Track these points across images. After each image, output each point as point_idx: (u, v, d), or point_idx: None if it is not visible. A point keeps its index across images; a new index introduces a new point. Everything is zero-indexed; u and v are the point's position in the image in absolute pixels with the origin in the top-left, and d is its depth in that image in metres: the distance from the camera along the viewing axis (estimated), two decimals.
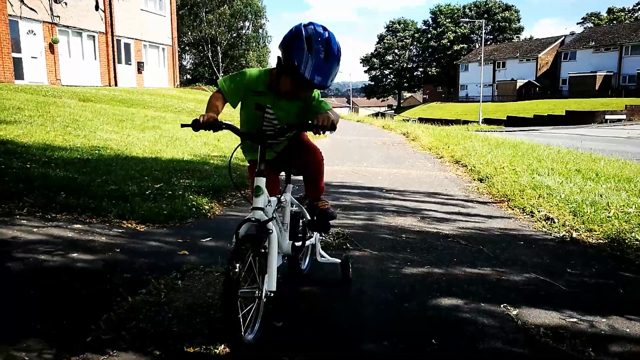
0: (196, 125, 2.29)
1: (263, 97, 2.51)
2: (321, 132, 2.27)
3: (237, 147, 2.67)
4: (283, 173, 2.89)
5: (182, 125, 2.41)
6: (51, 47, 18.56)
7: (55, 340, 2.24)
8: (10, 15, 16.42)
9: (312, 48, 2.25)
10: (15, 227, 3.80)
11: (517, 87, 58.33)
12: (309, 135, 2.70)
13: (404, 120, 37.61)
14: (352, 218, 4.86)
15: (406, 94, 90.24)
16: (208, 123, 2.28)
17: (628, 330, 2.54)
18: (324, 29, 2.33)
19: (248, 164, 2.81)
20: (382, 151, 11.80)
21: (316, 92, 2.53)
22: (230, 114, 12.69)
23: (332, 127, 2.23)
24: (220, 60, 50.59)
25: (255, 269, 2.24)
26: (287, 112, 2.55)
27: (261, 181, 2.33)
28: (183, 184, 5.68)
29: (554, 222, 4.67)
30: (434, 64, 75.57)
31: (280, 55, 2.36)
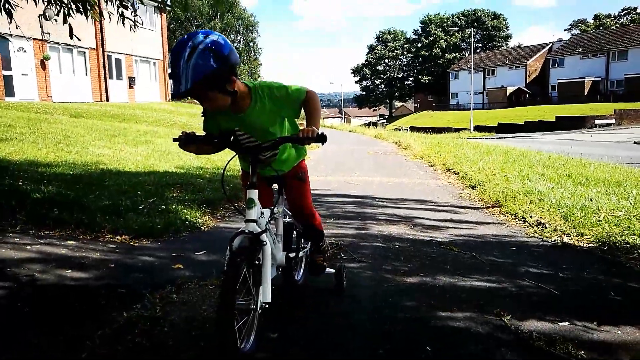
0: (187, 140, 2.33)
1: (225, 121, 2.45)
2: (307, 143, 2.29)
3: (230, 160, 2.70)
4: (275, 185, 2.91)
5: (175, 140, 2.42)
6: (42, 64, 18.56)
7: (51, 356, 2.24)
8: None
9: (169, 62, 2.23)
10: (9, 244, 3.79)
11: (507, 94, 58.82)
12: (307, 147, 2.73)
13: (395, 129, 37.79)
14: (345, 227, 4.88)
15: (397, 103, 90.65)
16: (201, 137, 2.31)
17: (620, 332, 2.57)
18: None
19: (240, 172, 2.83)
20: (374, 160, 11.86)
21: (276, 88, 2.44)
22: None
23: (322, 138, 2.24)
24: None
25: (250, 281, 2.26)
26: (254, 125, 2.44)
27: (253, 193, 2.35)
28: (176, 197, 5.68)
29: (546, 227, 4.71)
30: (425, 72, 76.11)
31: None
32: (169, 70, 2.17)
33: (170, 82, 2.16)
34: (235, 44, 52.59)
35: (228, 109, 2.33)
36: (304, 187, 2.80)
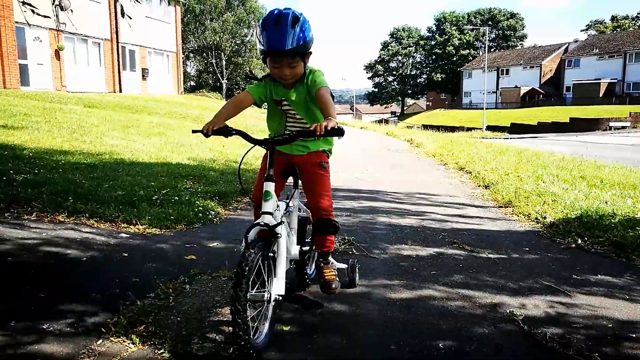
0: (207, 133, 2.33)
1: (277, 92, 2.63)
2: (323, 136, 2.27)
3: (246, 153, 2.71)
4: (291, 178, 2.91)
5: (194, 131, 2.44)
6: (57, 54, 18.71)
7: (65, 342, 2.27)
8: (16, 22, 16.56)
9: (265, 26, 2.40)
10: (24, 231, 3.83)
11: (521, 94, 58.38)
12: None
13: (407, 127, 37.66)
14: (356, 223, 4.87)
15: (410, 101, 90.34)
16: (219, 129, 2.32)
17: (634, 335, 2.54)
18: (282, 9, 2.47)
19: (262, 156, 2.83)
20: (386, 157, 11.83)
21: (315, 74, 2.58)
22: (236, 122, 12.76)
23: (339, 132, 2.22)
24: (224, 67, 50.82)
25: (264, 273, 2.27)
26: (298, 100, 2.62)
27: (270, 186, 2.36)
28: (189, 189, 5.71)
29: (560, 229, 4.67)
30: (438, 70, 75.67)
31: None
32: (261, 31, 2.41)
33: (260, 39, 2.44)
34: (247, 38, 52.60)
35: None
36: (325, 177, 2.78)
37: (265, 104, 2.75)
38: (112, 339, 2.31)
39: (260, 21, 2.45)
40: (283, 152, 2.70)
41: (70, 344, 2.25)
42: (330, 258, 2.93)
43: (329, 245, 2.90)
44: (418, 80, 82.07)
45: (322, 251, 2.90)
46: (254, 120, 18.05)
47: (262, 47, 2.43)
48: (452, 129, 35.33)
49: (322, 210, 2.74)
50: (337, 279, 2.85)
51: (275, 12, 2.43)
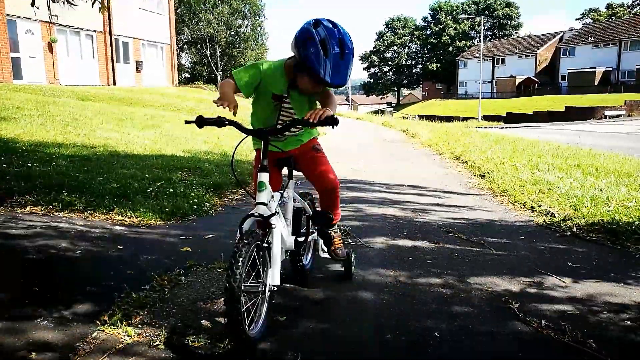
0: (200, 122, 2.30)
1: (278, 85, 2.57)
2: (318, 125, 2.27)
3: (239, 143, 2.68)
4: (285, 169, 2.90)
5: (187, 122, 2.41)
6: (49, 47, 18.53)
7: (60, 335, 2.26)
8: (8, 14, 16.39)
9: (328, 50, 2.28)
10: (19, 224, 3.81)
11: (517, 84, 58.29)
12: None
13: (403, 117, 37.63)
14: (351, 214, 4.87)
15: (405, 91, 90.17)
16: (212, 120, 2.29)
17: (629, 322, 2.55)
18: (334, 25, 2.35)
19: (255, 153, 2.84)
20: (381, 148, 11.82)
21: None
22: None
23: (333, 121, 2.23)
24: (218, 58, 50.48)
25: (259, 264, 2.26)
26: (302, 103, 2.62)
27: (264, 176, 2.35)
28: (184, 181, 5.69)
29: (555, 217, 4.68)
30: (434, 60, 75.43)
31: (296, 55, 2.40)
32: (322, 56, 2.26)
33: (319, 64, 2.30)
34: (242, 29, 52.26)
35: (286, 79, 2.51)
36: (323, 156, 2.84)
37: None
38: (107, 331, 2.30)
39: (318, 40, 2.27)
40: (278, 147, 2.68)
41: (65, 337, 2.24)
42: (336, 227, 3.01)
43: (336, 216, 2.96)
44: (413, 71, 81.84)
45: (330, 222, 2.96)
46: (249, 110, 17.99)
47: (322, 77, 2.28)
48: (448, 119, 35.33)
49: (329, 190, 2.77)
50: (344, 246, 3.00)
51: (339, 37, 2.29)
